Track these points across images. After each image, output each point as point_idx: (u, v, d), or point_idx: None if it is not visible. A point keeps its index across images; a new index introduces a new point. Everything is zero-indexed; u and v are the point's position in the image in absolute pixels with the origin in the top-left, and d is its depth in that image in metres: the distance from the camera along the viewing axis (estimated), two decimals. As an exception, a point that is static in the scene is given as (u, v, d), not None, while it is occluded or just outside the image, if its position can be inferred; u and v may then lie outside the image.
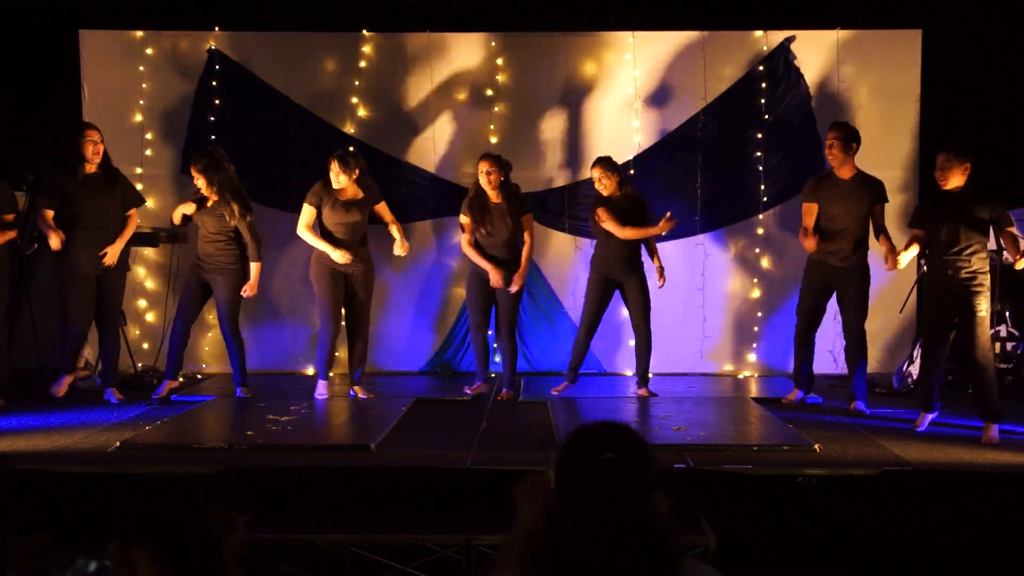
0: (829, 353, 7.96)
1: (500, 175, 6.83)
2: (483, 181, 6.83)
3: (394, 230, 6.89)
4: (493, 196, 6.87)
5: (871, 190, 6.52)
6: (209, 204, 6.65)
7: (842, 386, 7.48)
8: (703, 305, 8.04)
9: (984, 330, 5.81)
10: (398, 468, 4.99)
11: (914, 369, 7.15)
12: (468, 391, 7.02)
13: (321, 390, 6.84)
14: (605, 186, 6.80)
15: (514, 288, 6.88)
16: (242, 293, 6.69)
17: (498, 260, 6.91)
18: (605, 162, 6.88)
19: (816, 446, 5.30)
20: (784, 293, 7.87)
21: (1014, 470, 4.91)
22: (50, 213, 6.56)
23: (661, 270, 6.92)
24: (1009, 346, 7.19)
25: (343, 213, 6.70)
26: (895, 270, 6.34)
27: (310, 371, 8.06)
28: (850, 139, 6.49)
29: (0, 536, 2.08)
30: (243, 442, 5.39)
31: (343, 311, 6.90)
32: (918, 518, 4.66)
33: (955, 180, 5.88)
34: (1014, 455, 5.23)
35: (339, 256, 6.62)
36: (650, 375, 7.04)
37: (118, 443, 5.34)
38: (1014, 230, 5.94)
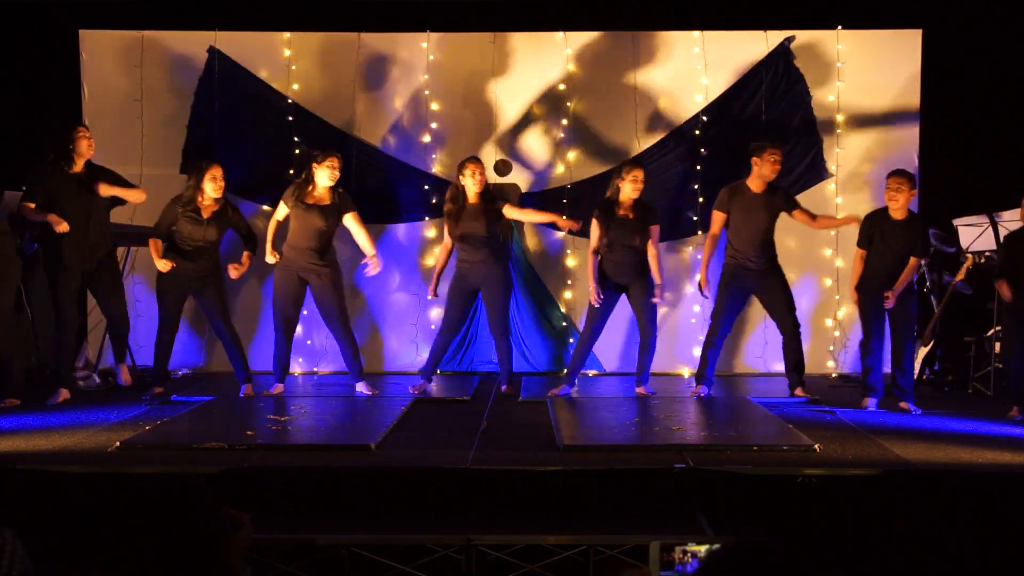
0: (829, 353, 7.98)
1: (484, 177, 6.95)
2: (469, 183, 6.90)
3: (367, 245, 6.93)
4: (473, 197, 6.95)
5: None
6: (207, 215, 6.69)
7: (842, 386, 7.49)
8: (703, 305, 8.04)
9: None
10: (398, 468, 4.98)
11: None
12: (411, 389, 7.02)
13: (270, 391, 6.90)
14: (638, 189, 6.81)
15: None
16: (231, 273, 6.76)
17: (475, 261, 6.96)
18: (641, 165, 7.01)
19: (816, 446, 5.29)
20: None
21: (1014, 470, 4.90)
22: (31, 205, 6.58)
23: (659, 288, 6.91)
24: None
25: (305, 214, 6.78)
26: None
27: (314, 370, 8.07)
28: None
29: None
30: (243, 442, 5.37)
31: (297, 319, 7.01)
32: (918, 518, 4.65)
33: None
34: (1014, 455, 5.22)
35: (268, 257, 6.80)
36: (650, 375, 7.06)
37: (118, 443, 5.32)
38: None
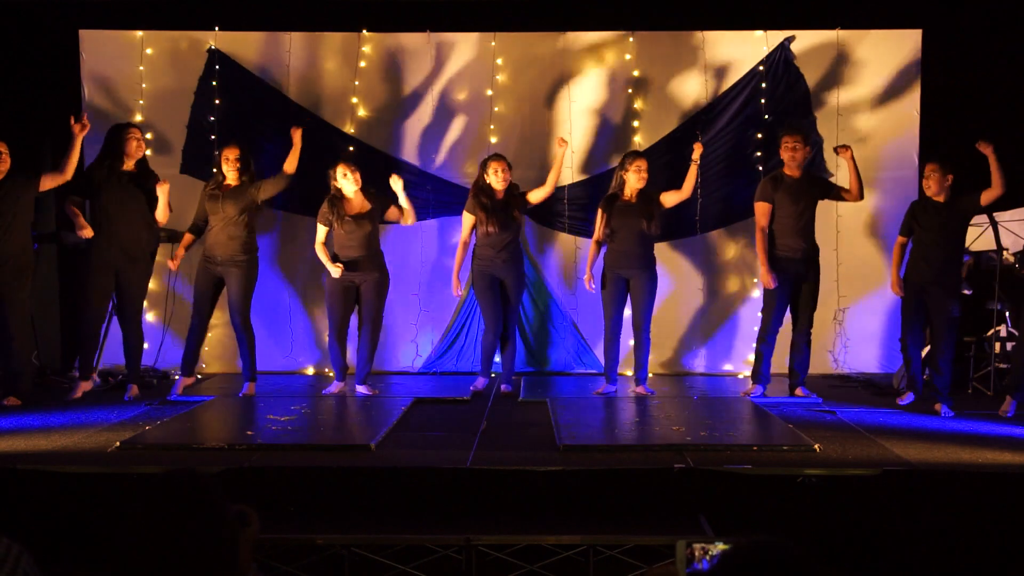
0: (829, 353, 7.98)
1: (509, 174, 6.99)
2: (494, 180, 6.92)
3: (403, 203, 6.96)
4: (499, 194, 6.98)
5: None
6: (231, 187, 6.77)
7: (842, 386, 7.49)
8: (703, 305, 8.05)
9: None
10: (398, 468, 4.98)
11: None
12: (472, 389, 7.08)
13: (331, 388, 7.01)
14: (643, 179, 6.89)
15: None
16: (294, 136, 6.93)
17: (497, 259, 6.98)
18: (645, 156, 7.09)
19: (816, 446, 5.29)
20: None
21: (1014, 470, 4.90)
22: (75, 199, 6.75)
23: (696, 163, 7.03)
24: (1009, 346, 7.19)
25: (353, 226, 6.80)
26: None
27: (310, 371, 8.07)
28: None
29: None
30: (243, 442, 5.38)
31: (352, 318, 7.04)
32: (918, 518, 4.65)
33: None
34: (1014, 455, 5.22)
35: (334, 271, 6.77)
36: (649, 375, 7.06)
37: (118, 443, 5.33)
38: None
